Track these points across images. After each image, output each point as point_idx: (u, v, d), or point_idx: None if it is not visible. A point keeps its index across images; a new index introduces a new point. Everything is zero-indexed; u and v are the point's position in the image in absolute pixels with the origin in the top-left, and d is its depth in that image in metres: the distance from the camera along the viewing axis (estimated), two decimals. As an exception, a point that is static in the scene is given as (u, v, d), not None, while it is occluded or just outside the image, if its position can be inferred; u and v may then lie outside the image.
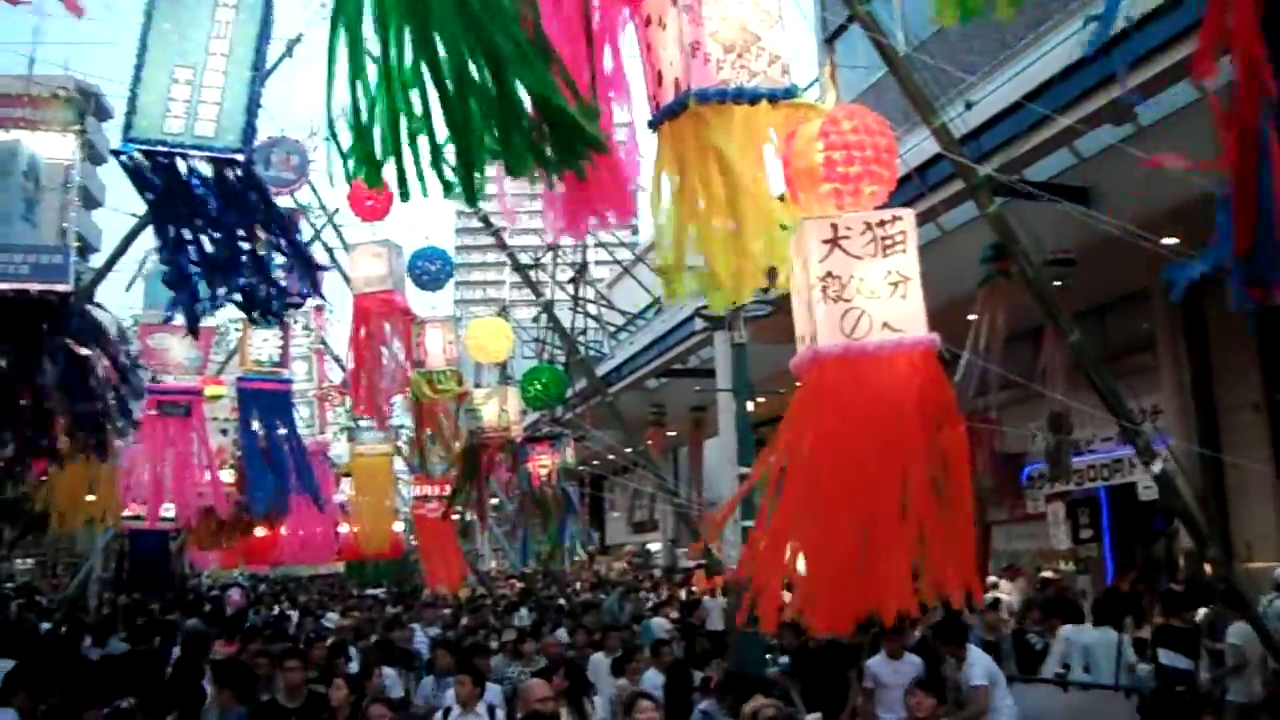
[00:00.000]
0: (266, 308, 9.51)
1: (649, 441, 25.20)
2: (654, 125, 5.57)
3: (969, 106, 11.88)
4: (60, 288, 8.87)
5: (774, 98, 5.32)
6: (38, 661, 10.10)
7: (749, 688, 8.80)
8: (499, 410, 16.58)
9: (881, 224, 5.44)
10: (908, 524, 5.23)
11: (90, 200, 60.72)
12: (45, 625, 18.62)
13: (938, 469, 5.35)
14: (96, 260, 58.92)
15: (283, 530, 23.28)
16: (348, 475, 29.27)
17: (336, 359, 29.92)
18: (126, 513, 21.17)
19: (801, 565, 5.44)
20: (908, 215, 5.56)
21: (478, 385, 19.11)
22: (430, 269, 16.26)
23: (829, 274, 5.29)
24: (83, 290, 20.07)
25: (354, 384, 15.99)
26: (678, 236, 5.32)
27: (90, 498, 18.95)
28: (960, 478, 5.41)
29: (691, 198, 5.24)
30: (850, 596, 5.30)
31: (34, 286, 8.81)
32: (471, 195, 4.80)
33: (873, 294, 5.31)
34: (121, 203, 35.97)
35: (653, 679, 11.32)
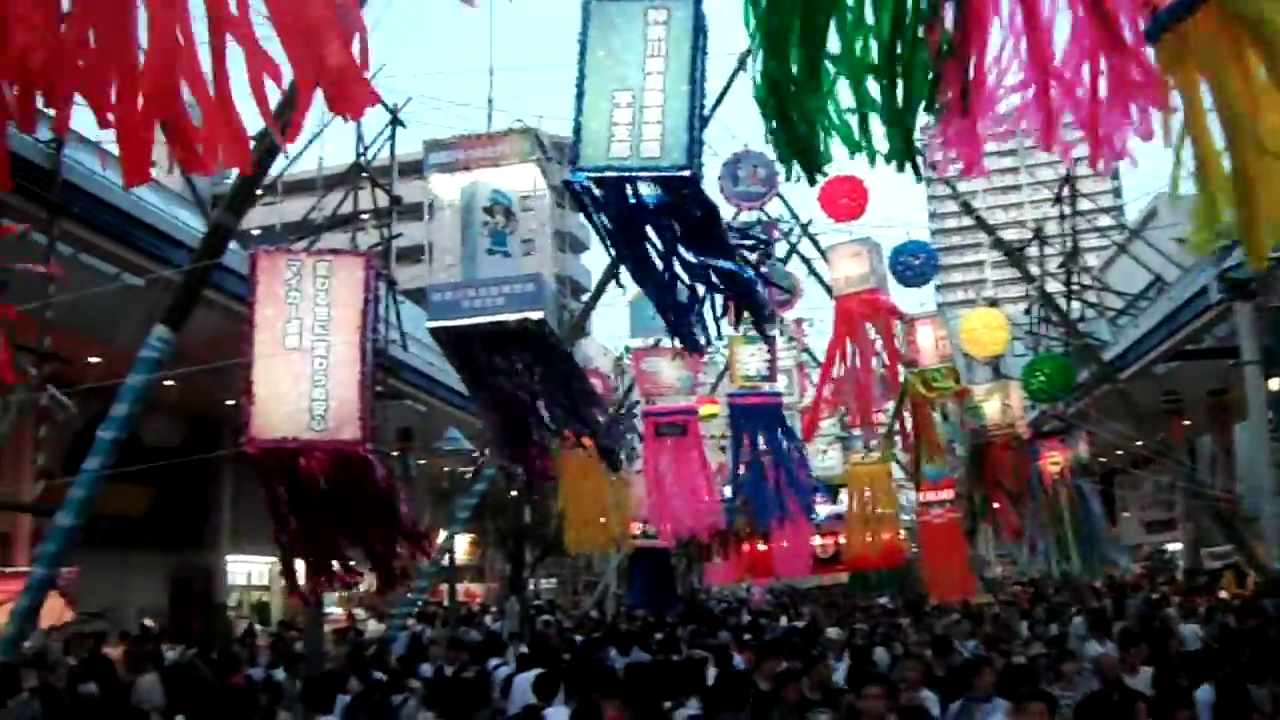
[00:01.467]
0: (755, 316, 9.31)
1: (1165, 432, 23.18)
2: (1154, 34, 4.58)
3: None
4: (534, 315, 8.98)
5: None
6: (572, 667, 11.11)
7: None
8: (1002, 406, 15.55)
9: None
10: None
11: (576, 244, 64.77)
12: (578, 638, 19.36)
13: None
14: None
15: (781, 544, 23.27)
16: (843, 485, 29.05)
17: (819, 364, 29.87)
18: (634, 531, 21.96)
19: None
20: None
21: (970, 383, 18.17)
22: (914, 264, 15.54)
23: None
24: (574, 324, 21.18)
25: (820, 385, 15.47)
26: (1209, 167, 4.31)
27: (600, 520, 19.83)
28: None
29: (1225, 116, 4.21)
30: None
31: (509, 316, 8.97)
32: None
33: None
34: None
35: (1204, 695, 10.05)
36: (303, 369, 8.97)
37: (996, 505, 16.75)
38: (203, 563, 22.58)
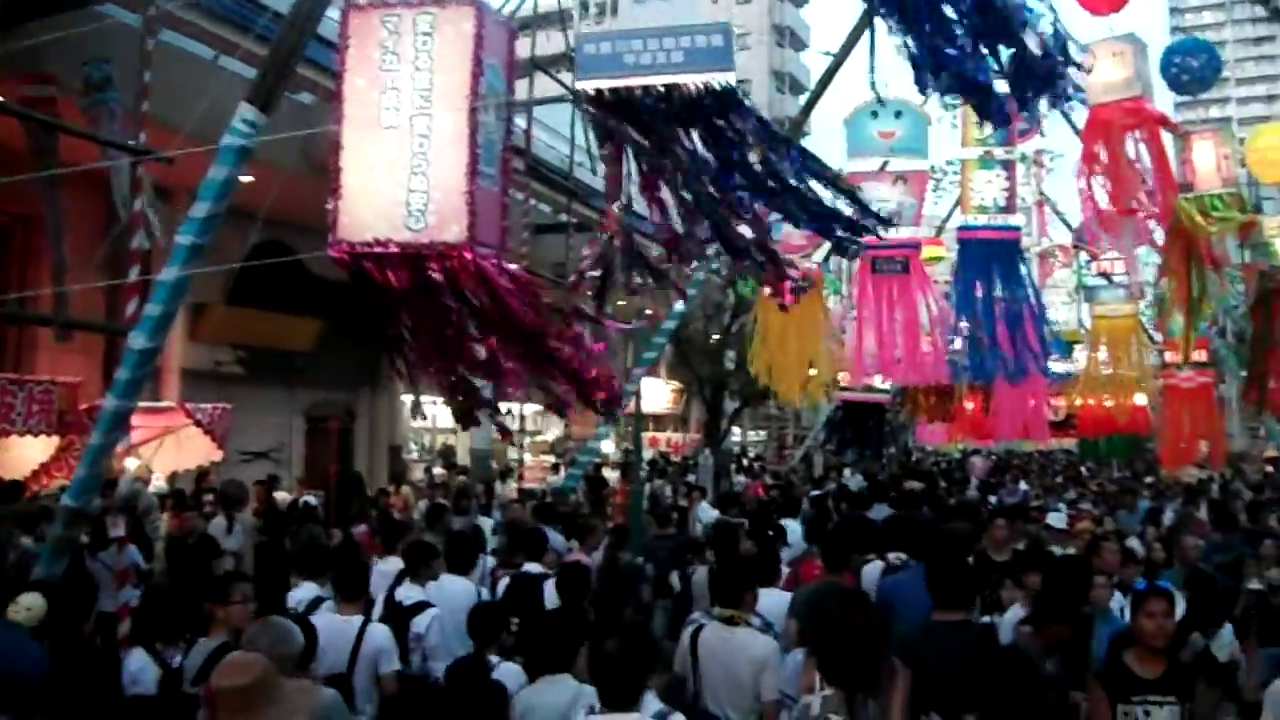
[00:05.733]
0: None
1: None
2: None
3: None
4: (724, 76, 6.60)
5: None
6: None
7: None
8: None
9: None
10: None
11: (796, 41, 63.16)
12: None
13: None
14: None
15: (1009, 403, 20.83)
16: (1077, 342, 26.40)
17: (1059, 214, 26.84)
18: (843, 382, 20.05)
19: None
20: None
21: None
22: (1191, 66, 12.53)
23: None
24: (788, 133, 18.72)
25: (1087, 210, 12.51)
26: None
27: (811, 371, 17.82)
28: None
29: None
30: None
31: (693, 77, 6.63)
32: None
33: None
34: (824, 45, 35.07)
35: None
36: (400, 153, 6.92)
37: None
38: (343, 400, 21.17)
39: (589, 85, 6.83)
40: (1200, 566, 9.34)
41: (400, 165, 6.87)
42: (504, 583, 9.03)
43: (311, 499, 15.01)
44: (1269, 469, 29.90)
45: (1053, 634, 6.08)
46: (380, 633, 6.54)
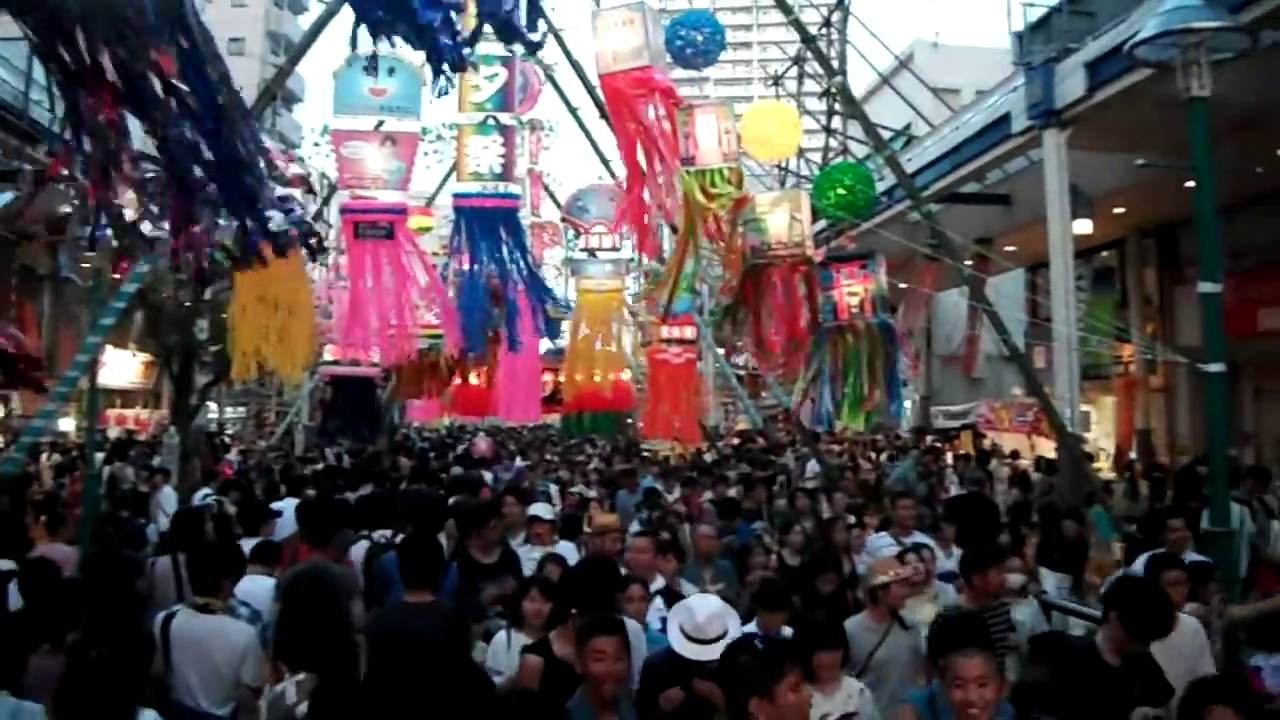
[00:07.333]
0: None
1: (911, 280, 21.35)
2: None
3: None
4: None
5: None
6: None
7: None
8: (790, 221, 12.37)
9: None
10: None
11: (295, 4, 61.53)
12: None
13: None
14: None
15: (501, 379, 20.52)
16: (558, 319, 26.57)
17: (549, 192, 26.90)
18: (327, 357, 18.94)
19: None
20: None
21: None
22: (696, 40, 12.33)
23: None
24: (273, 81, 17.28)
25: (632, 187, 11.99)
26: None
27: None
28: None
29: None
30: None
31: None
32: None
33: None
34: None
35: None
36: None
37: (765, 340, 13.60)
38: None
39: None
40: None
41: None
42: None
43: None
44: (736, 440, 31.77)
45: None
46: None
